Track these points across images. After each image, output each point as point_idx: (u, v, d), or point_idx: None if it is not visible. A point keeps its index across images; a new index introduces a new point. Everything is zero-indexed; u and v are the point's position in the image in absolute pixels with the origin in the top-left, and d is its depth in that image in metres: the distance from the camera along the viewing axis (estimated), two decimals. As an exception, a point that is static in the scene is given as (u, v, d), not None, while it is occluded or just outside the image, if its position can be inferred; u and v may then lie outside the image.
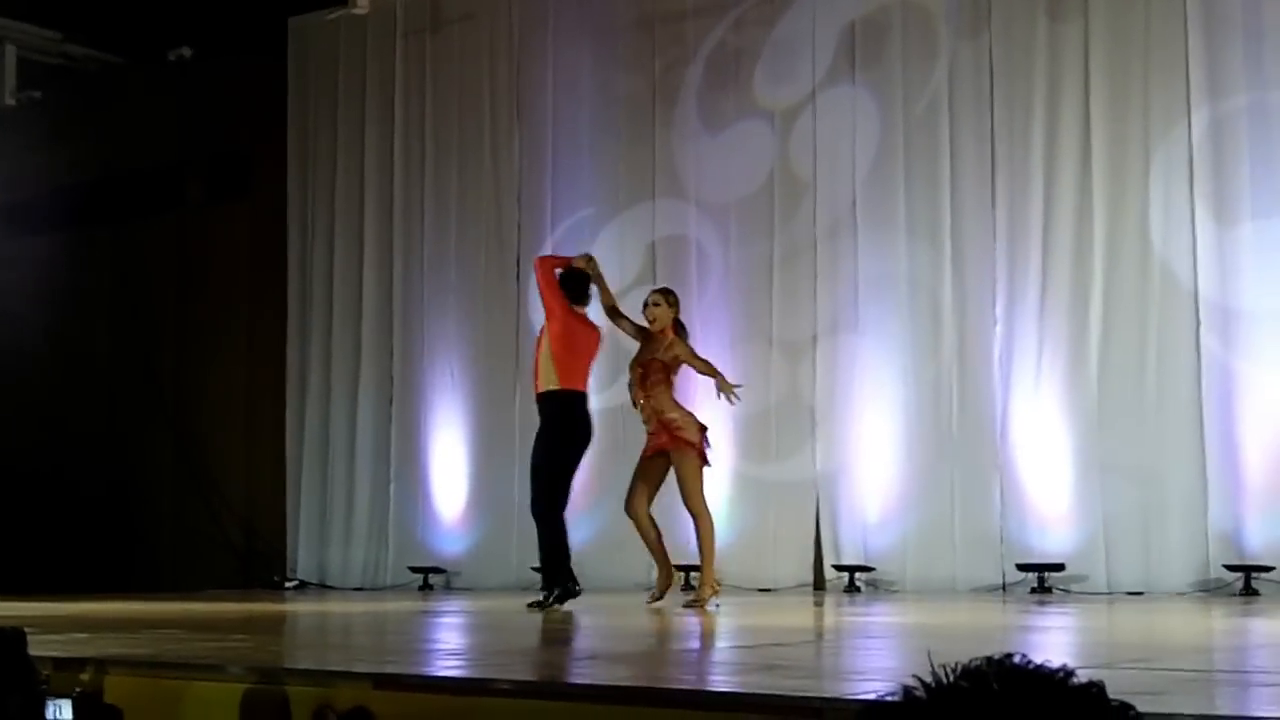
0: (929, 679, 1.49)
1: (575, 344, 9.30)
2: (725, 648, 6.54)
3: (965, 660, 1.50)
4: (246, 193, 16.25)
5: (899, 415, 12.01)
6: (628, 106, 13.62)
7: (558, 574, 9.27)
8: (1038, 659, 1.50)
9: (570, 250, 13.75)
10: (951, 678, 1.47)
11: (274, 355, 15.48)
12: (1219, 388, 10.91)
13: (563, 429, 9.23)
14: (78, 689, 4.79)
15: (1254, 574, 10.52)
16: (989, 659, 1.48)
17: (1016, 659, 1.47)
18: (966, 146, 12.02)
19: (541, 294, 9.53)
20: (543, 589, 9.35)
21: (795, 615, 8.63)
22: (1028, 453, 11.47)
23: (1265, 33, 10.97)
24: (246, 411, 15.78)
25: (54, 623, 7.73)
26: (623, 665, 5.39)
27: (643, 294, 13.16)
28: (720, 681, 4.73)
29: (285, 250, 15.56)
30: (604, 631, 7.97)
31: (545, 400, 9.31)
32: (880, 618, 8.32)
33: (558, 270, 9.46)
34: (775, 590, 12.18)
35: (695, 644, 6.78)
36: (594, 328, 9.59)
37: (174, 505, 15.98)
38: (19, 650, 4.13)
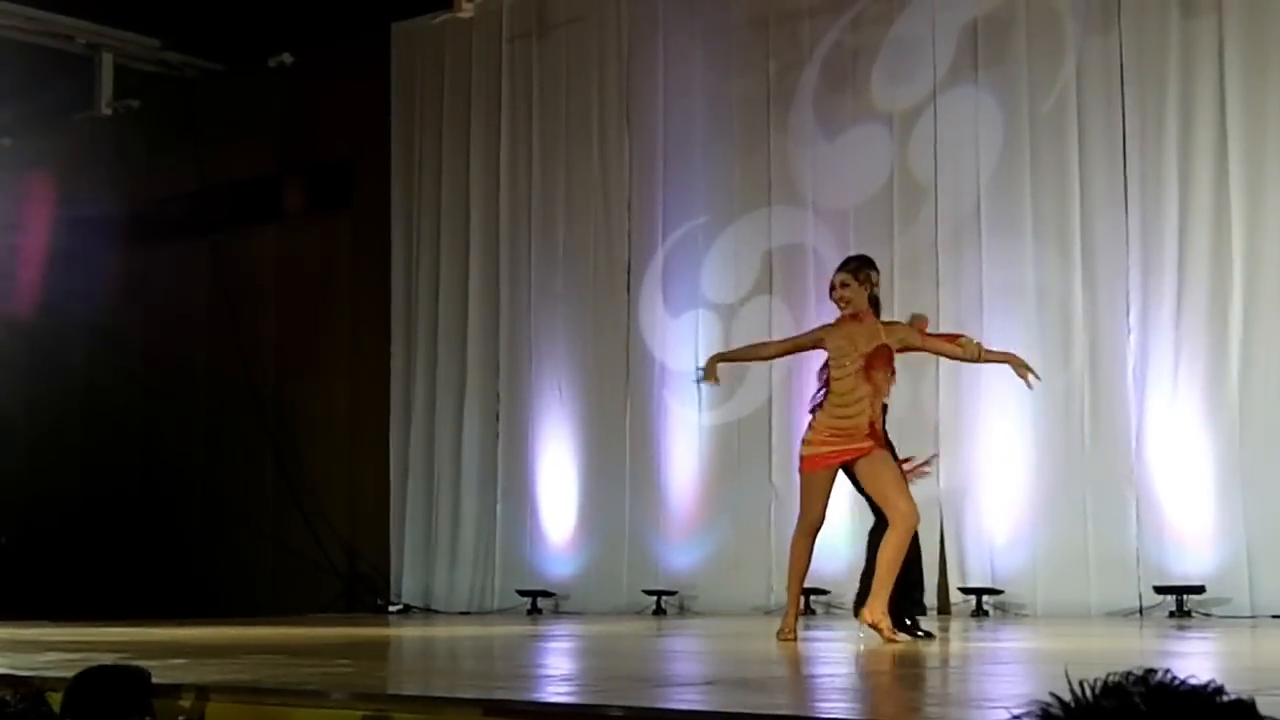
0: (1067, 698, 1.48)
1: None
2: (850, 674, 6.52)
3: (1104, 677, 1.49)
4: (348, 202, 16.39)
5: (1027, 430, 11.90)
6: (741, 110, 13.61)
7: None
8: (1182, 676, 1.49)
9: (682, 257, 13.83)
10: (1092, 696, 1.46)
11: (377, 370, 15.60)
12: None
13: None
14: (180, 716, 4.86)
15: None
16: (1130, 675, 1.47)
17: (1160, 675, 1.45)
18: (1096, 148, 11.90)
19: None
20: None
21: (922, 640, 8.56)
22: (1165, 469, 11.32)
23: None
24: (349, 429, 15.90)
25: (154, 648, 7.84)
26: (745, 692, 5.39)
27: (758, 304, 13.29)
28: (844, 709, 4.72)
29: (389, 261, 15.69)
30: (725, 656, 7.96)
31: None
32: (1010, 643, 8.26)
33: None
34: (899, 614, 12.08)
35: (819, 670, 6.76)
36: None
37: (274, 527, 16.11)
38: (142, 689, 4.23)
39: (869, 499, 8.52)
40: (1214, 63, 11.46)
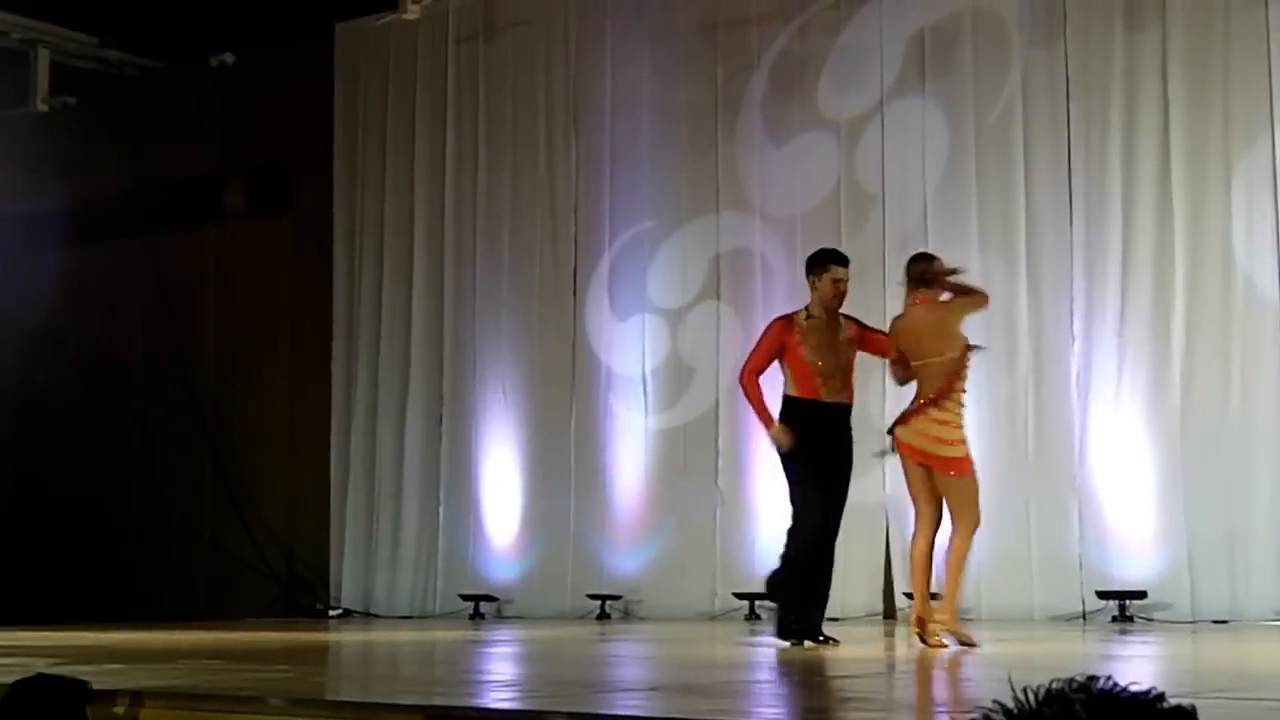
0: (1010, 704, 1.49)
1: None
2: (794, 679, 6.55)
3: (1048, 684, 1.50)
4: (290, 203, 16.34)
5: (972, 437, 11.89)
6: (689, 116, 13.66)
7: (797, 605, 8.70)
8: (1124, 682, 1.50)
9: (628, 262, 13.85)
10: (1035, 702, 1.48)
11: (318, 372, 15.54)
12: (1306, 406, 10.90)
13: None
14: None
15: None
16: (1073, 682, 1.49)
17: (1102, 682, 1.47)
18: (1041, 159, 12.03)
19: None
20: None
21: (866, 646, 8.63)
22: (1108, 475, 11.44)
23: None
24: (289, 431, 15.85)
25: (87, 653, 7.81)
26: (689, 697, 5.41)
27: (706, 309, 13.32)
28: (787, 715, 4.74)
29: (330, 263, 15.64)
30: (670, 661, 7.98)
31: None
32: (953, 648, 8.29)
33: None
34: (844, 620, 12.15)
35: (762, 676, 6.79)
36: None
37: (212, 529, 16.04)
38: (79, 703, 4.19)
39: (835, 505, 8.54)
40: (1157, 75, 11.62)
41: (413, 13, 14.83)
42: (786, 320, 8.82)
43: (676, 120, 13.77)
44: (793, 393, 8.66)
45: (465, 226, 14.81)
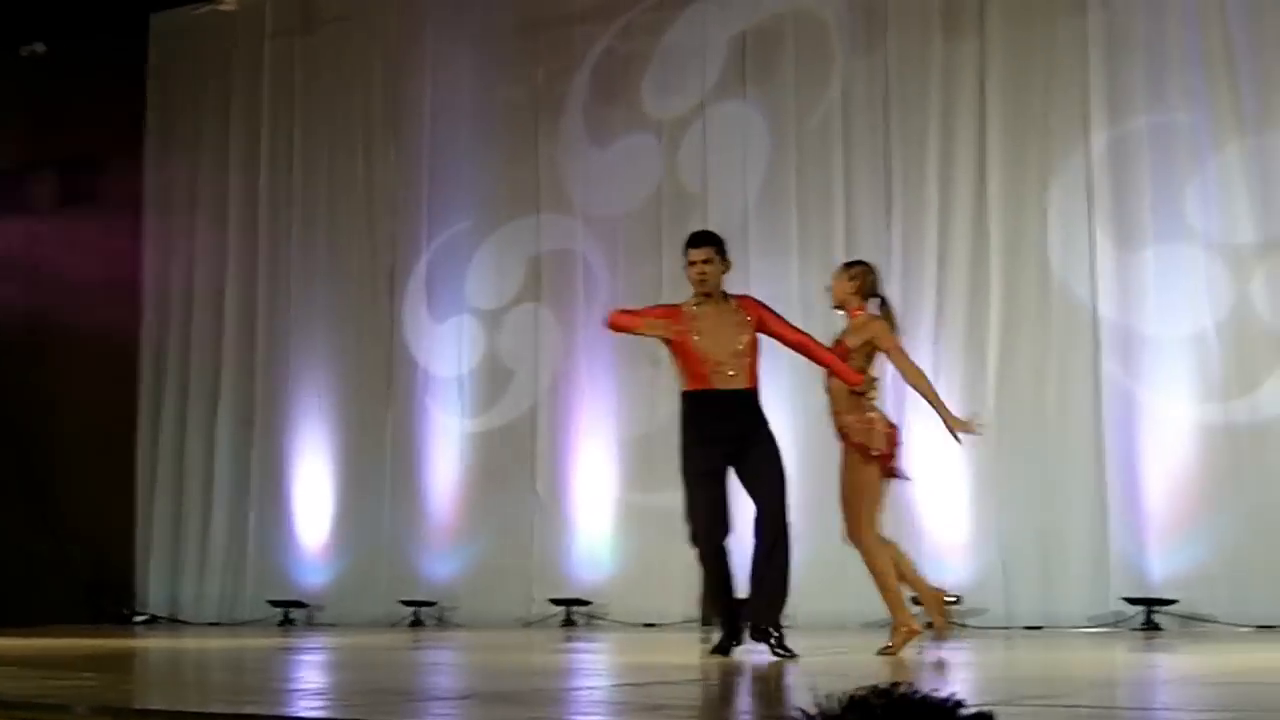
0: (813, 711, 1.52)
1: None
2: (608, 686, 6.57)
3: (851, 690, 1.53)
4: (99, 198, 16.06)
5: (787, 444, 12.03)
6: (510, 115, 13.66)
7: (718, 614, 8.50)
8: (925, 689, 1.53)
9: (447, 263, 13.80)
10: (837, 709, 1.50)
11: (126, 371, 15.30)
12: (1120, 414, 11.16)
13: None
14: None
15: (1155, 608, 10.74)
16: (875, 688, 1.52)
17: (903, 688, 1.50)
18: (860, 165, 12.22)
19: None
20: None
21: (681, 652, 8.68)
22: (922, 480, 11.58)
23: (1167, 54, 11.27)
24: (95, 431, 15.56)
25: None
26: (502, 705, 5.41)
27: (525, 311, 13.34)
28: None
29: (140, 260, 15.40)
30: (484, 669, 7.97)
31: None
32: (762, 656, 8.37)
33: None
34: (661, 625, 12.23)
35: (577, 683, 6.81)
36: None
37: (12, 530, 15.70)
38: None
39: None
40: (975, 85, 11.86)
41: (228, 3, 14.67)
42: (675, 307, 8.33)
43: (497, 120, 13.77)
44: (684, 386, 8.28)
45: (280, 225, 14.68)
